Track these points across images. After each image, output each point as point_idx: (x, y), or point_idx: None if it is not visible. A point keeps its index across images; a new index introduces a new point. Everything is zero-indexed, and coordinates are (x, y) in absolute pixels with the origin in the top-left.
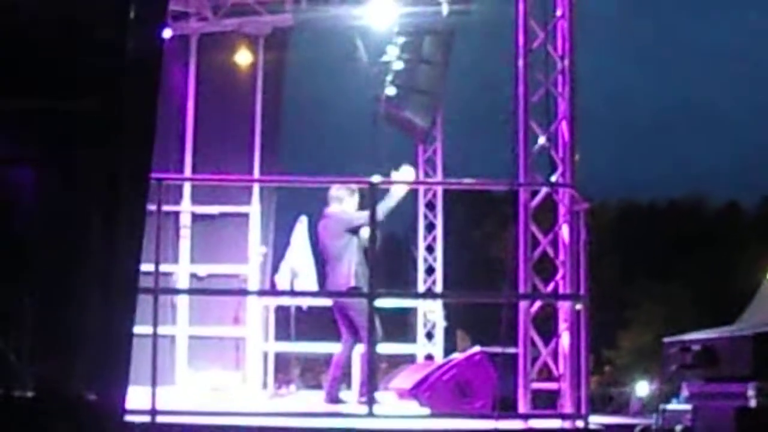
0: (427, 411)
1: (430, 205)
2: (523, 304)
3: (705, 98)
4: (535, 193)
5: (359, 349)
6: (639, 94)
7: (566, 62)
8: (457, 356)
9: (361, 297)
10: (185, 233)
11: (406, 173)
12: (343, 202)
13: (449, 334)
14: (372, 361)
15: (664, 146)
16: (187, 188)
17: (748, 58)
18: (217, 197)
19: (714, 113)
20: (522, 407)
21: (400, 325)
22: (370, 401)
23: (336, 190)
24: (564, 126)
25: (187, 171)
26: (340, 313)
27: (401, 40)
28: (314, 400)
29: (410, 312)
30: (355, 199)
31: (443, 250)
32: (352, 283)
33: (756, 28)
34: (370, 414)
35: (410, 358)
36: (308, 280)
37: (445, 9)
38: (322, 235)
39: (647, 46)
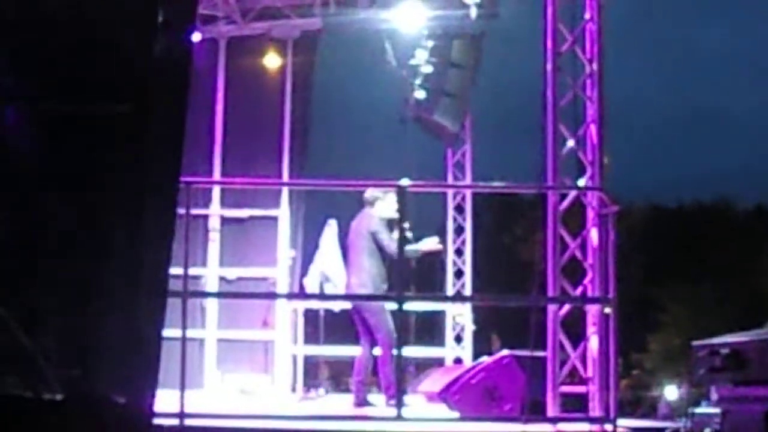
0: (455, 414)
1: (459, 209)
2: (551, 308)
3: (722, 103)
4: (563, 197)
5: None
6: (657, 99)
7: (594, 65)
8: (486, 359)
9: (391, 300)
10: (214, 236)
11: (431, 243)
12: (375, 204)
13: (478, 337)
14: (399, 364)
15: (685, 150)
16: (216, 192)
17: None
18: (246, 200)
19: (733, 118)
20: (550, 411)
21: (429, 328)
22: (399, 404)
23: (369, 192)
24: (593, 129)
25: (216, 174)
26: (357, 315)
27: (430, 43)
28: (343, 403)
29: (439, 315)
30: (389, 200)
31: (472, 254)
32: (365, 290)
33: None
34: (399, 417)
35: (439, 361)
36: (338, 283)
37: (473, 12)
38: (350, 235)
39: (663, 51)
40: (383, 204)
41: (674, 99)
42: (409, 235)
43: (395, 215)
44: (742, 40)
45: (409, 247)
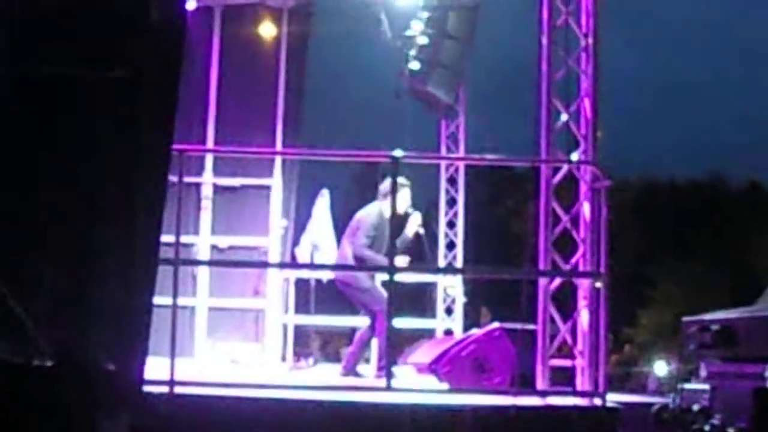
0: (445, 386)
1: (452, 181)
2: (542, 281)
3: (712, 79)
4: (556, 170)
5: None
6: (645, 74)
7: (590, 40)
8: (476, 332)
9: (382, 271)
10: (206, 205)
11: (413, 224)
12: (387, 197)
13: (469, 309)
14: (390, 336)
15: (675, 126)
16: (209, 160)
17: (748, 40)
18: (239, 169)
19: (723, 94)
20: (540, 384)
21: (421, 300)
22: (389, 375)
23: (383, 185)
24: (586, 103)
25: (210, 143)
26: (343, 292)
27: (425, 14)
28: (333, 373)
29: (430, 287)
30: (402, 195)
31: (464, 226)
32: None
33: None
34: (389, 388)
35: (429, 333)
36: (329, 254)
37: None
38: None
39: (637, 26)
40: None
41: (662, 74)
42: (421, 231)
43: (406, 210)
44: (734, 15)
45: (379, 258)
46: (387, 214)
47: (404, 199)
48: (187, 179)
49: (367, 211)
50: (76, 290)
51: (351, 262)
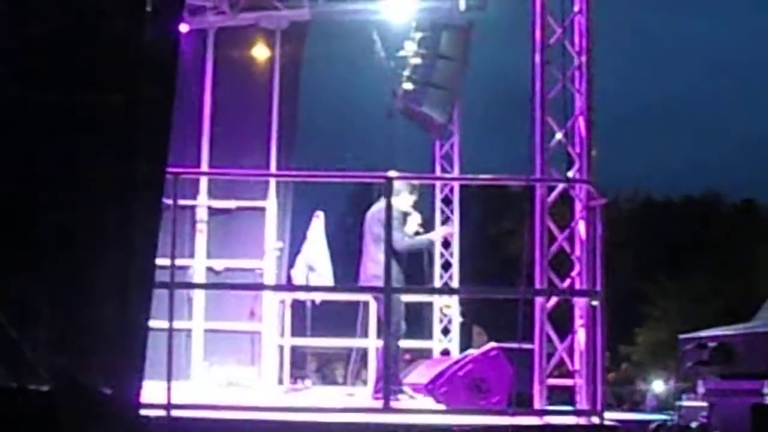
0: (442, 406)
1: (447, 201)
2: (539, 300)
3: (706, 97)
4: (551, 189)
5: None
6: (637, 91)
7: (583, 58)
8: (473, 352)
9: (378, 292)
10: (201, 227)
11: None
12: (400, 195)
13: (465, 329)
14: (388, 357)
15: (670, 144)
16: (203, 183)
17: (743, 56)
18: (233, 192)
19: (716, 112)
20: (537, 403)
21: (416, 321)
22: (386, 396)
23: (396, 183)
24: (581, 122)
25: (204, 165)
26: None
27: (418, 35)
28: (330, 394)
29: (426, 307)
30: (412, 197)
31: (460, 246)
32: (378, 281)
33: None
34: (386, 409)
35: (426, 354)
36: (324, 275)
37: (462, 4)
38: (366, 224)
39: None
40: (404, 197)
41: (655, 92)
42: (421, 230)
43: (407, 211)
44: (727, 32)
45: (422, 237)
46: (400, 208)
47: (407, 200)
48: (181, 202)
49: (380, 207)
50: (72, 314)
51: (381, 266)
